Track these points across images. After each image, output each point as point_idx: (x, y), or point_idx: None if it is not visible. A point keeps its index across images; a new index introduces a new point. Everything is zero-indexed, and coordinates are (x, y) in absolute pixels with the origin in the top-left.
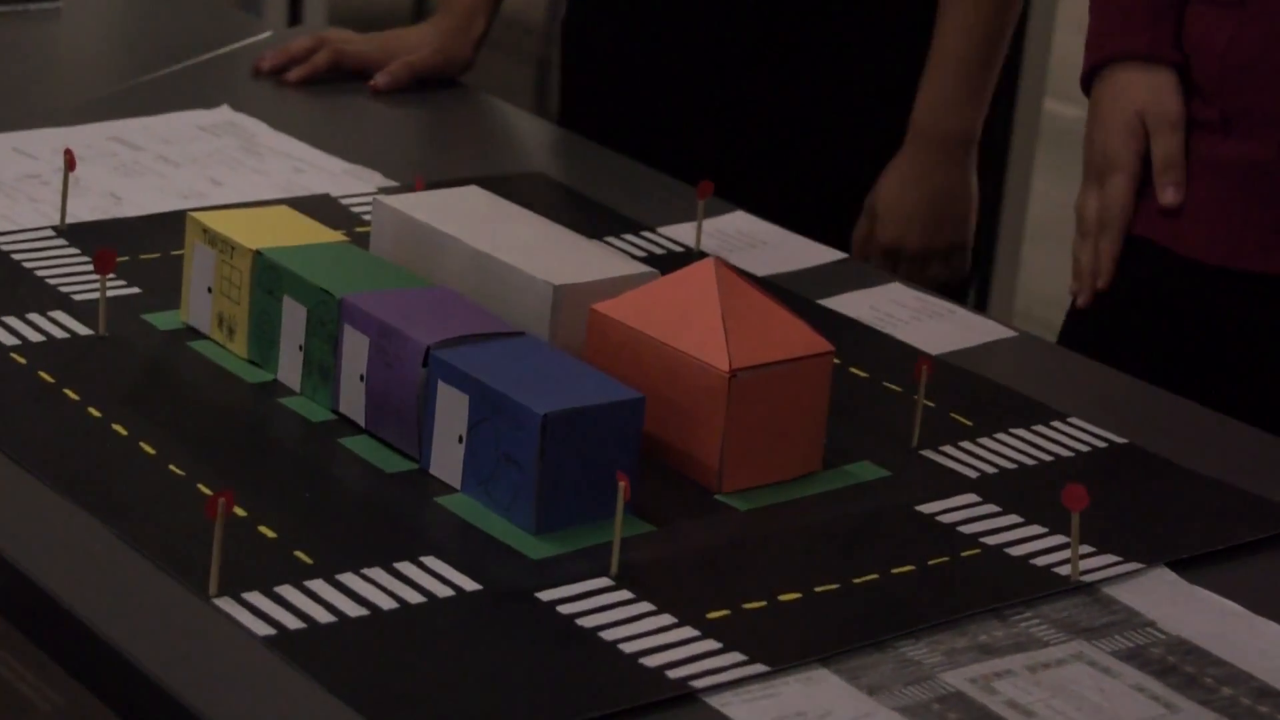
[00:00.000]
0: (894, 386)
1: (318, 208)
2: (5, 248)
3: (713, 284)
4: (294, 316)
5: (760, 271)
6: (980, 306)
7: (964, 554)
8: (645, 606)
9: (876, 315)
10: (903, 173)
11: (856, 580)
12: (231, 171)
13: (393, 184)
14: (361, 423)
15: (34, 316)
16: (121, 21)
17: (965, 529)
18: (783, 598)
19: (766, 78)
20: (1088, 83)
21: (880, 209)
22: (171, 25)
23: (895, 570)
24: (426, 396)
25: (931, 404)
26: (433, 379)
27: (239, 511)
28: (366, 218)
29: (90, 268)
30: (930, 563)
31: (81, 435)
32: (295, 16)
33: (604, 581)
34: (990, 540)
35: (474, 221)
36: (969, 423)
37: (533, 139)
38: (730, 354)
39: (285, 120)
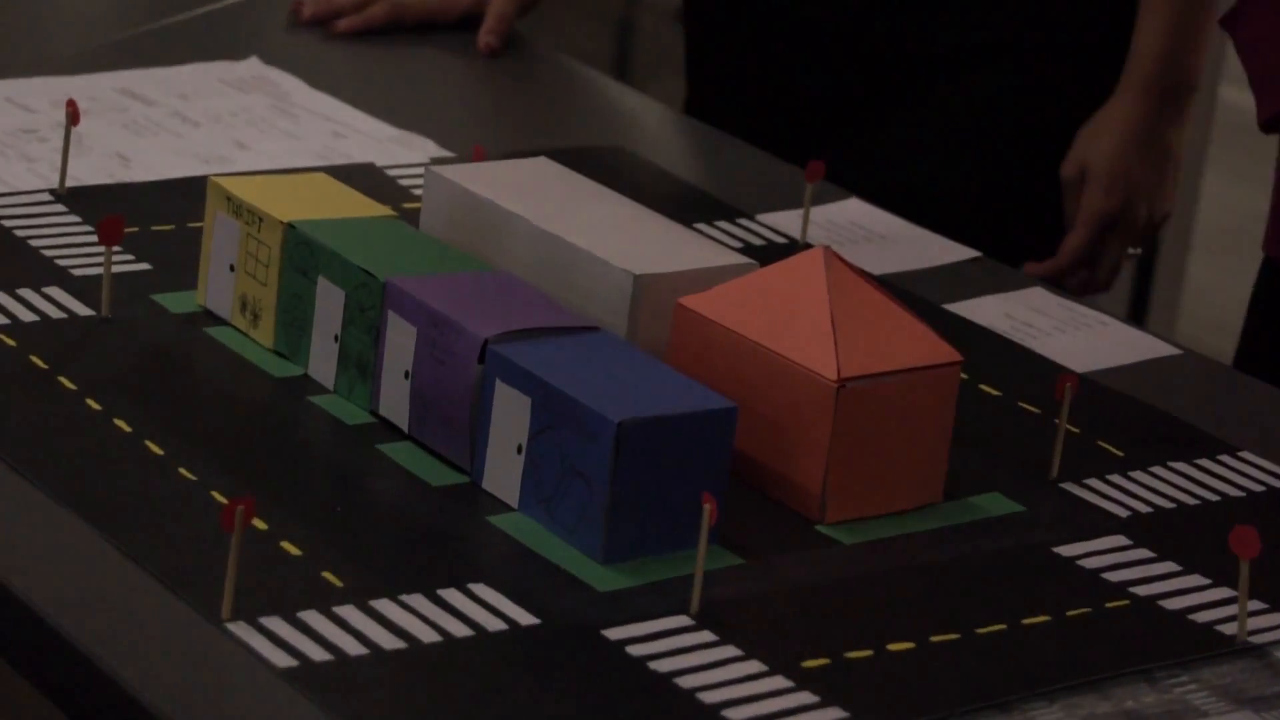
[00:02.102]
0: (1031, 407)
1: (360, 178)
2: None
3: (821, 278)
4: (329, 301)
5: (877, 269)
6: (1136, 319)
7: (1109, 605)
8: (730, 651)
9: (1013, 324)
10: (1125, 130)
11: (980, 630)
12: (260, 134)
13: (448, 154)
14: (404, 427)
15: (26, 293)
16: None
17: (1111, 576)
18: (892, 647)
19: (892, 40)
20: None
21: (1100, 172)
22: None
23: (1027, 621)
24: (481, 398)
25: (1075, 429)
26: (489, 378)
27: (259, 524)
28: (416, 191)
29: (93, 238)
30: (1069, 614)
31: (78, 431)
32: None
33: (683, 620)
34: (1141, 590)
35: (542, 198)
36: (1119, 453)
37: (612, 107)
38: (839, 360)
39: (324, 76)
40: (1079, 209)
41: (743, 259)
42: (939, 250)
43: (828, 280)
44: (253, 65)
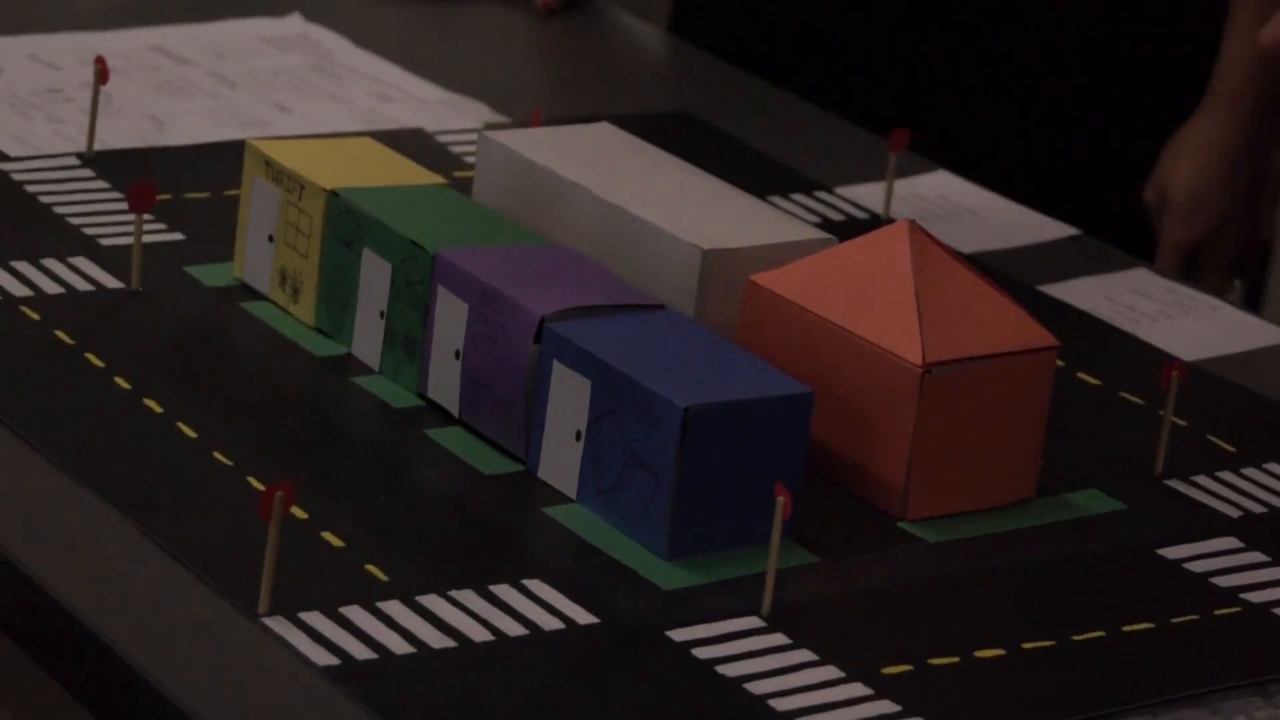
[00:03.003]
0: (1134, 398)
1: (408, 144)
2: (18, 177)
3: (905, 255)
4: (375, 275)
5: (966, 246)
6: (1250, 303)
7: (1218, 612)
8: (804, 655)
9: (1115, 308)
10: (1208, 150)
11: (1077, 637)
12: (302, 96)
13: (503, 119)
14: (455, 411)
15: (51, 263)
16: None
17: (1221, 581)
18: (981, 654)
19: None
20: None
21: (1179, 199)
22: None
23: (1128, 628)
24: (538, 381)
25: (1183, 422)
26: (546, 359)
27: (298, 512)
28: (469, 158)
29: (123, 206)
30: (1174, 621)
31: (106, 411)
32: None
33: (753, 621)
34: (1253, 597)
35: (604, 167)
36: (1230, 448)
37: (680, 70)
38: (924, 343)
39: (370, 35)
40: (1160, 240)
41: (820, 234)
42: (1034, 227)
43: (912, 257)
44: (294, 22)
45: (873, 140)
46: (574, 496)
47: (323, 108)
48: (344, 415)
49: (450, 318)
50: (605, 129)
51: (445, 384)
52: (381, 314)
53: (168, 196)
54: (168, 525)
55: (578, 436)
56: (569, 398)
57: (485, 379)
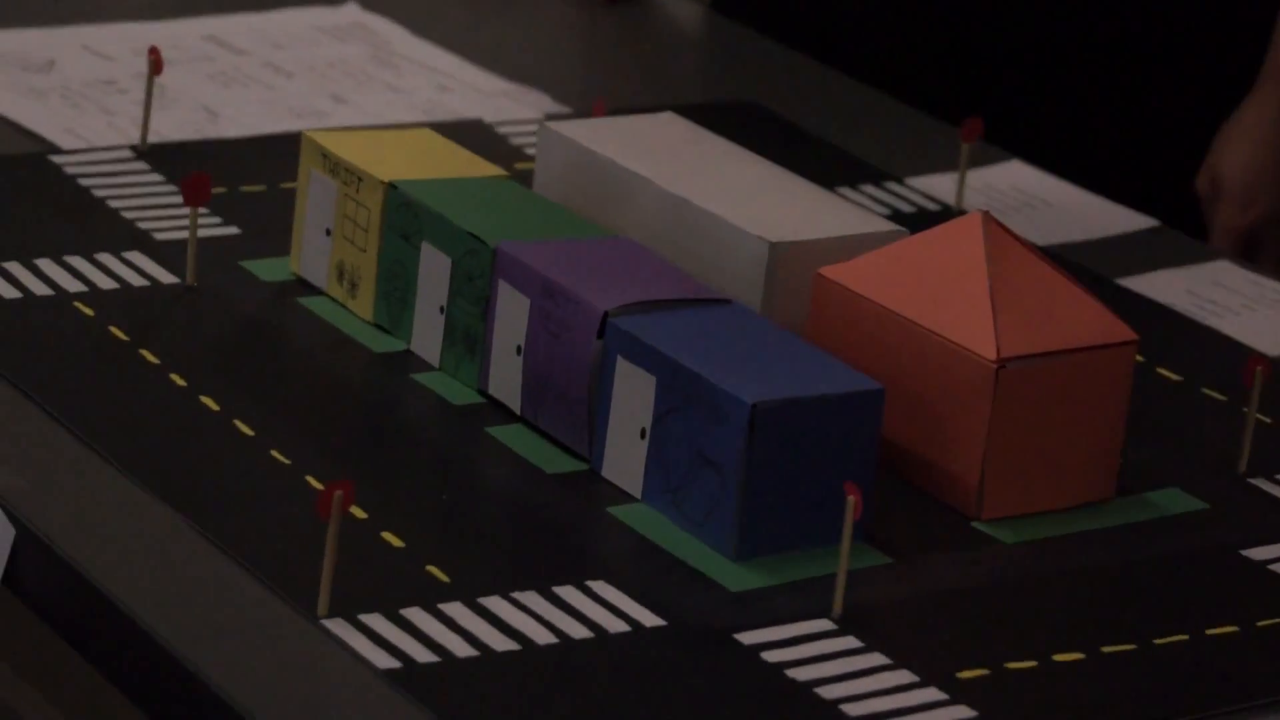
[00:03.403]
0: (1216, 394)
1: (468, 135)
2: (71, 170)
3: (979, 247)
4: (434, 269)
5: (1042, 238)
6: None
7: None
8: (877, 659)
9: (1196, 301)
10: (1259, 134)
11: (1158, 641)
12: (358, 86)
13: (563, 109)
14: (516, 408)
15: (105, 258)
16: None
17: None
18: (1059, 658)
19: None
20: None
21: (1232, 185)
22: None
23: (1211, 631)
24: (601, 377)
25: (1268, 419)
26: (610, 354)
27: (358, 512)
28: (530, 150)
29: (177, 199)
30: (1260, 624)
31: (161, 409)
32: None
33: (824, 624)
34: None
35: (668, 157)
36: None
37: (746, 57)
38: (998, 338)
39: (428, 24)
40: (1213, 228)
41: (890, 225)
42: (1112, 218)
43: (986, 249)
44: (351, 11)
45: (944, 129)
46: (639, 496)
47: (380, 98)
48: (403, 412)
49: (511, 312)
50: (669, 119)
51: (506, 381)
52: (441, 309)
53: (223, 189)
54: (225, 525)
55: (642, 434)
56: (633, 395)
57: (547, 375)
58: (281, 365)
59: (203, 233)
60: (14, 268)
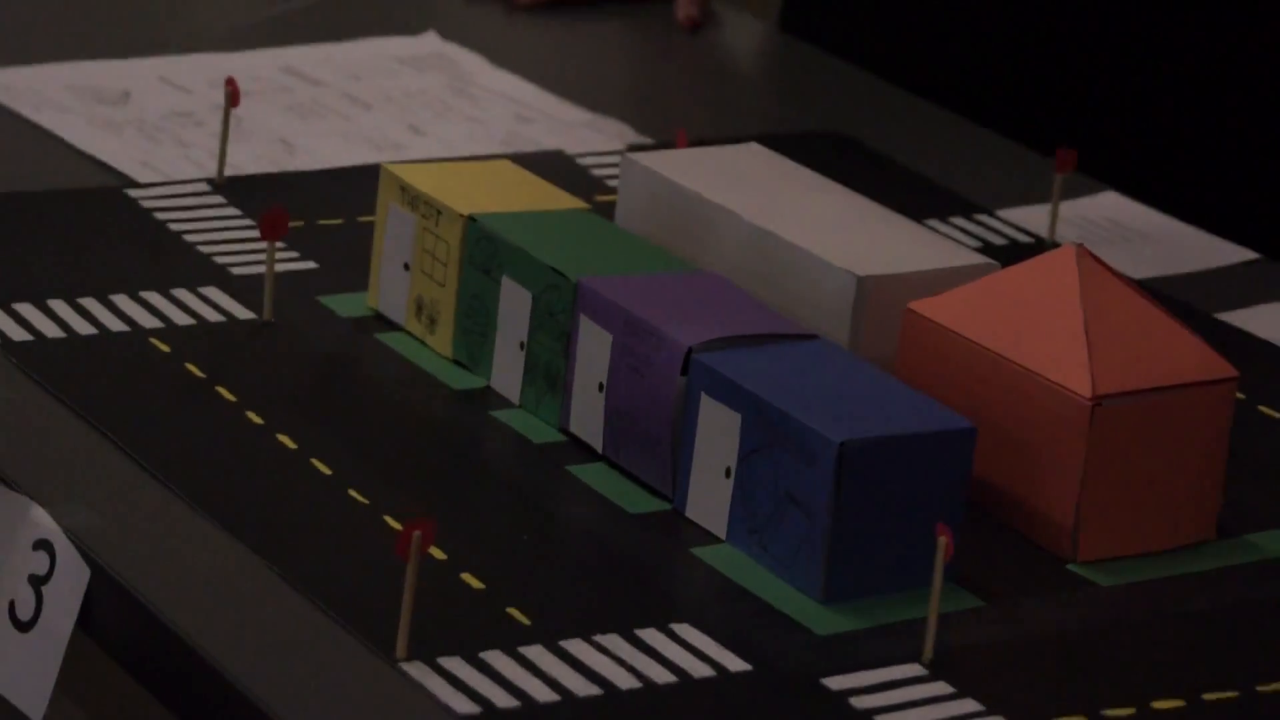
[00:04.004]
0: None
1: (548, 167)
2: (147, 204)
3: (1073, 280)
4: (515, 304)
5: (1139, 273)
6: None
7: None
8: (969, 705)
9: None
10: None
11: (1261, 688)
12: (437, 117)
13: (645, 140)
14: (598, 447)
15: (181, 293)
16: None
17: None
18: (1158, 704)
19: (1156, 5)
20: None
21: None
22: None
23: None
24: (685, 415)
25: None
26: (694, 391)
27: (437, 553)
28: (612, 181)
29: (254, 233)
30: None
31: (237, 447)
32: None
33: (914, 669)
34: None
35: (753, 189)
36: None
37: (833, 87)
38: (1094, 375)
39: (508, 53)
40: None
41: (981, 259)
42: (1211, 251)
43: (1080, 283)
44: (430, 40)
45: (1036, 159)
46: (723, 536)
47: (459, 129)
48: (483, 451)
49: (593, 349)
50: (754, 150)
51: (588, 418)
52: (521, 345)
53: (300, 223)
54: (301, 565)
55: (727, 473)
56: (718, 433)
57: (630, 413)
58: (359, 403)
59: (280, 267)
60: (90, 303)
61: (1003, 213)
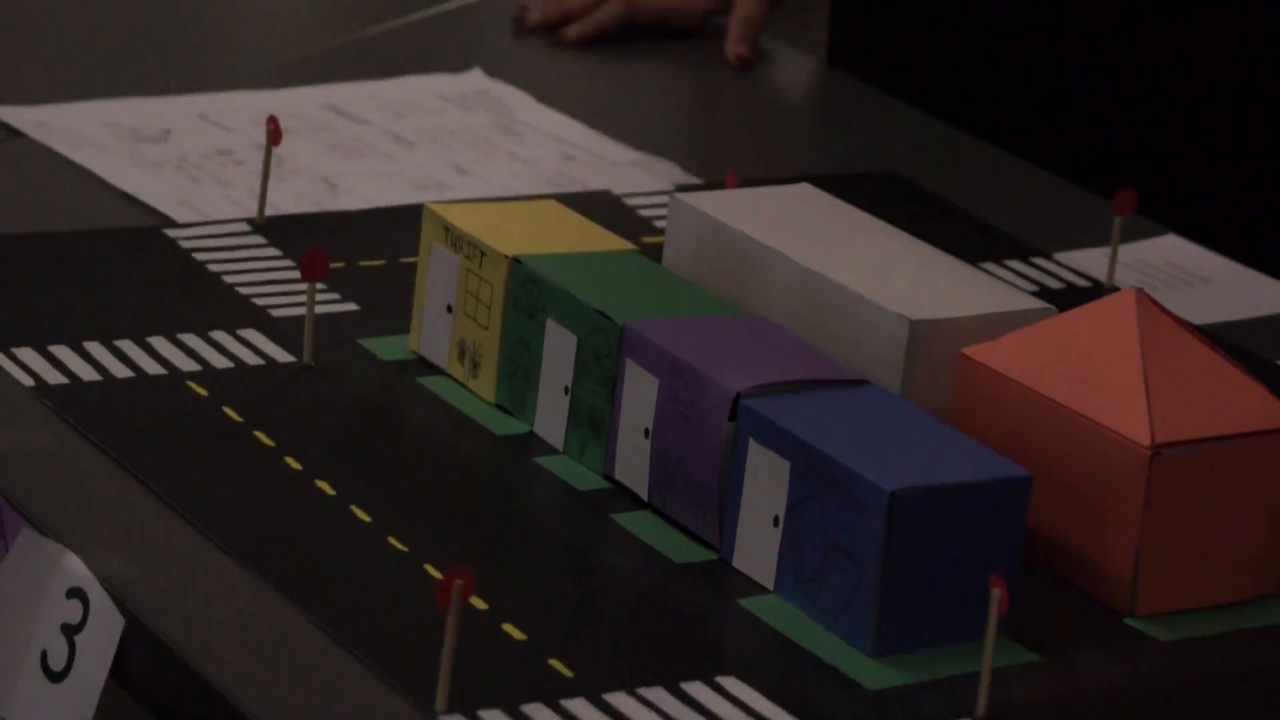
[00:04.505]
0: None
1: (595, 207)
2: (187, 245)
3: (1132, 326)
4: (559, 348)
5: (1200, 318)
6: None
7: None
8: None
9: None
10: None
11: None
12: (482, 157)
13: (694, 179)
14: (643, 494)
15: (220, 336)
16: None
17: None
18: None
19: (1219, 44)
20: None
21: None
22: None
23: None
24: (733, 462)
25: None
26: (742, 438)
27: (478, 603)
28: (659, 223)
29: (294, 274)
30: None
31: (276, 493)
32: None
33: None
34: None
35: (804, 231)
36: None
37: (886, 125)
38: (1153, 423)
39: (554, 91)
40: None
41: (1038, 303)
42: (1275, 296)
43: (1139, 328)
44: (475, 78)
45: (1095, 201)
46: (771, 587)
47: (504, 168)
48: (526, 498)
49: (639, 393)
50: (805, 190)
51: (634, 465)
52: (566, 389)
53: (341, 264)
54: (341, 615)
55: (775, 522)
56: (766, 480)
57: (676, 459)
58: (400, 448)
59: (320, 309)
60: (126, 345)
61: (1060, 256)
